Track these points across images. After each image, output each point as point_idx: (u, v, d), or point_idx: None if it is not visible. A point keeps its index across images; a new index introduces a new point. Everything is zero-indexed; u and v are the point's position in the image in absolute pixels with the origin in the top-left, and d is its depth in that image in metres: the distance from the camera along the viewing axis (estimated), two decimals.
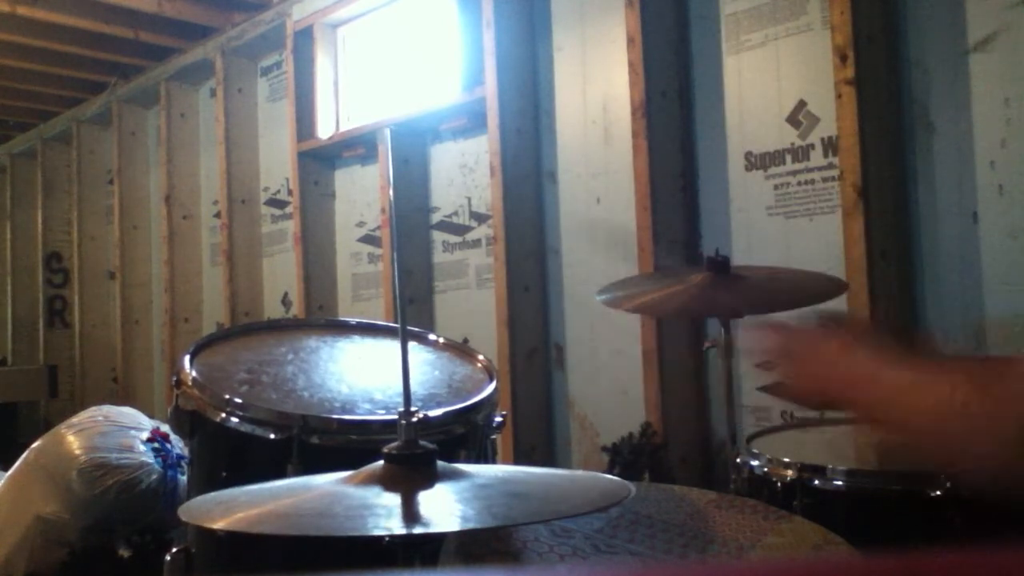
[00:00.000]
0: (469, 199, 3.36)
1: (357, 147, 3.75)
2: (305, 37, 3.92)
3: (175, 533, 2.41)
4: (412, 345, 1.72)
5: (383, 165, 3.59)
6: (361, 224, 3.85)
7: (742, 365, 2.53)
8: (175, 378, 1.49)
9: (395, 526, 0.83)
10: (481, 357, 1.71)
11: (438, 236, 3.47)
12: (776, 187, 2.48)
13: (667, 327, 2.59)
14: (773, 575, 0.29)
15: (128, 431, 2.70)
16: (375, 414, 1.40)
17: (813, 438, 1.75)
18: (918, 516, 1.28)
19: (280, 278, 4.28)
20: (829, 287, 1.86)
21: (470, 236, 3.36)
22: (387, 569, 0.98)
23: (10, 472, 2.75)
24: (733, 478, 1.62)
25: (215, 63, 4.36)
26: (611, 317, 2.74)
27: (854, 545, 1.13)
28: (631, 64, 2.65)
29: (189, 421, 1.45)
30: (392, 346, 1.72)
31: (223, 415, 1.39)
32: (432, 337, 1.82)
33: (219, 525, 0.87)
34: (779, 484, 1.44)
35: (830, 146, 2.35)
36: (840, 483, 1.38)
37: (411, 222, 3.44)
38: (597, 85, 2.89)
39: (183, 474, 2.57)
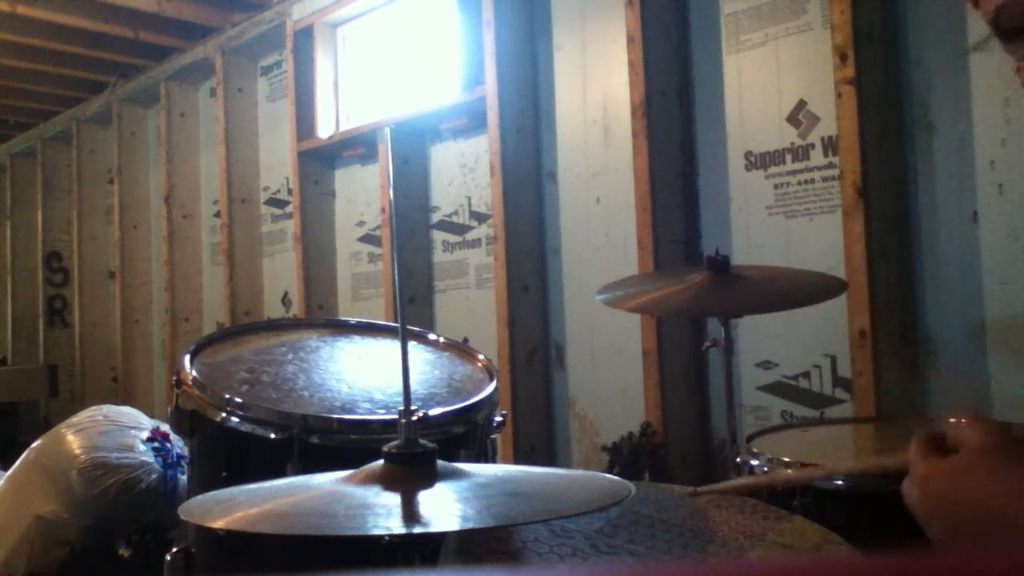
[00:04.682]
0: (469, 199, 3.35)
1: (357, 147, 3.75)
2: (305, 37, 3.92)
3: (175, 533, 2.41)
4: (412, 345, 1.72)
5: (383, 164, 3.59)
6: (361, 224, 3.85)
7: (742, 365, 2.54)
8: (175, 378, 1.49)
9: (395, 526, 0.83)
10: (481, 357, 1.71)
11: (438, 236, 3.47)
12: (776, 187, 2.48)
13: (667, 327, 2.59)
14: (773, 575, 0.29)
15: (128, 431, 2.70)
16: (375, 414, 1.40)
17: (813, 438, 1.75)
18: None
19: (280, 278, 4.28)
20: (829, 287, 1.86)
21: (470, 236, 3.36)
22: (387, 569, 0.98)
23: (10, 472, 2.75)
24: (733, 477, 1.62)
25: (215, 63, 4.36)
26: (611, 317, 2.74)
27: (854, 545, 1.13)
28: (631, 64, 2.65)
29: (189, 421, 1.45)
30: (392, 346, 1.72)
31: (223, 415, 1.39)
32: (432, 337, 1.82)
33: (219, 524, 0.87)
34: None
35: (830, 145, 2.35)
36: (840, 483, 1.38)
37: (411, 222, 3.44)
38: (597, 85, 2.89)
39: (183, 474, 2.57)
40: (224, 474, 1.42)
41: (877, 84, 2.21)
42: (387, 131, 3.48)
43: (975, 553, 0.27)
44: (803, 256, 2.39)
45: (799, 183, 2.43)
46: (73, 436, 2.65)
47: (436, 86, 3.44)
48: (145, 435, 2.69)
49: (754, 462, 1.52)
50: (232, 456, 1.44)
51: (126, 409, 2.91)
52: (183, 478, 2.55)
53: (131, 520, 2.53)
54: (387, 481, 0.91)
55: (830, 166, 2.35)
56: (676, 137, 2.66)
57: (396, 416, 0.96)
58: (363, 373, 1.59)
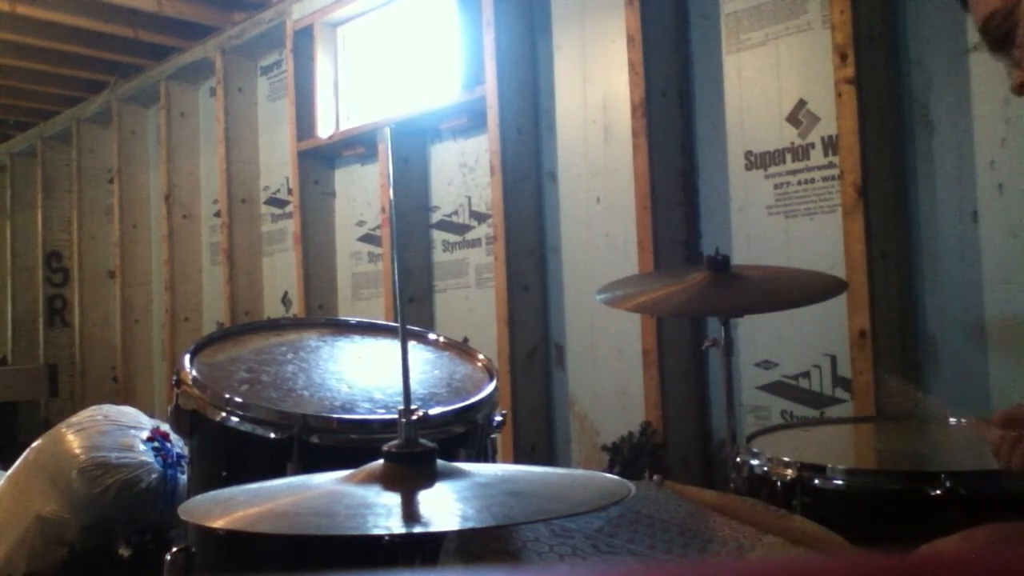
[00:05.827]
0: (469, 198, 3.35)
1: (357, 146, 3.75)
2: (305, 36, 3.92)
3: (175, 532, 2.41)
4: (412, 344, 1.72)
5: (383, 164, 3.59)
6: (361, 223, 3.85)
7: (742, 365, 2.54)
8: (175, 377, 1.49)
9: (395, 525, 0.83)
10: (481, 356, 1.71)
11: (438, 235, 3.47)
12: (776, 186, 2.48)
13: (667, 327, 2.59)
14: (773, 575, 0.29)
15: (128, 430, 2.70)
16: (375, 413, 1.40)
17: (813, 438, 1.75)
18: (918, 516, 1.28)
19: (280, 277, 4.28)
20: (829, 286, 1.86)
21: (470, 235, 3.36)
22: (387, 569, 0.98)
23: (10, 472, 2.75)
24: (733, 477, 1.62)
25: (215, 62, 4.36)
26: (611, 316, 2.74)
27: (854, 545, 1.13)
28: (631, 64, 2.65)
29: (189, 420, 1.45)
30: (392, 345, 1.72)
31: (223, 414, 1.39)
32: (432, 336, 1.82)
33: (219, 524, 0.87)
34: (779, 483, 1.43)
35: (830, 145, 2.35)
36: (840, 482, 1.38)
37: (411, 221, 3.44)
38: (597, 84, 2.89)
39: (183, 473, 2.57)
40: (224, 474, 1.42)
41: (877, 84, 2.21)
42: (387, 131, 3.48)
43: (975, 552, 0.27)
44: (803, 256, 2.38)
45: (799, 183, 2.43)
46: (73, 436, 2.65)
47: (436, 86, 3.44)
48: (145, 435, 2.69)
49: (754, 462, 1.52)
50: (232, 456, 1.44)
51: (126, 409, 2.91)
52: (183, 478, 2.55)
53: (131, 520, 2.53)
54: (387, 481, 0.91)
55: (830, 166, 2.35)
56: (676, 137, 2.66)
57: (396, 416, 0.96)
58: (363, 373, 1.59)
